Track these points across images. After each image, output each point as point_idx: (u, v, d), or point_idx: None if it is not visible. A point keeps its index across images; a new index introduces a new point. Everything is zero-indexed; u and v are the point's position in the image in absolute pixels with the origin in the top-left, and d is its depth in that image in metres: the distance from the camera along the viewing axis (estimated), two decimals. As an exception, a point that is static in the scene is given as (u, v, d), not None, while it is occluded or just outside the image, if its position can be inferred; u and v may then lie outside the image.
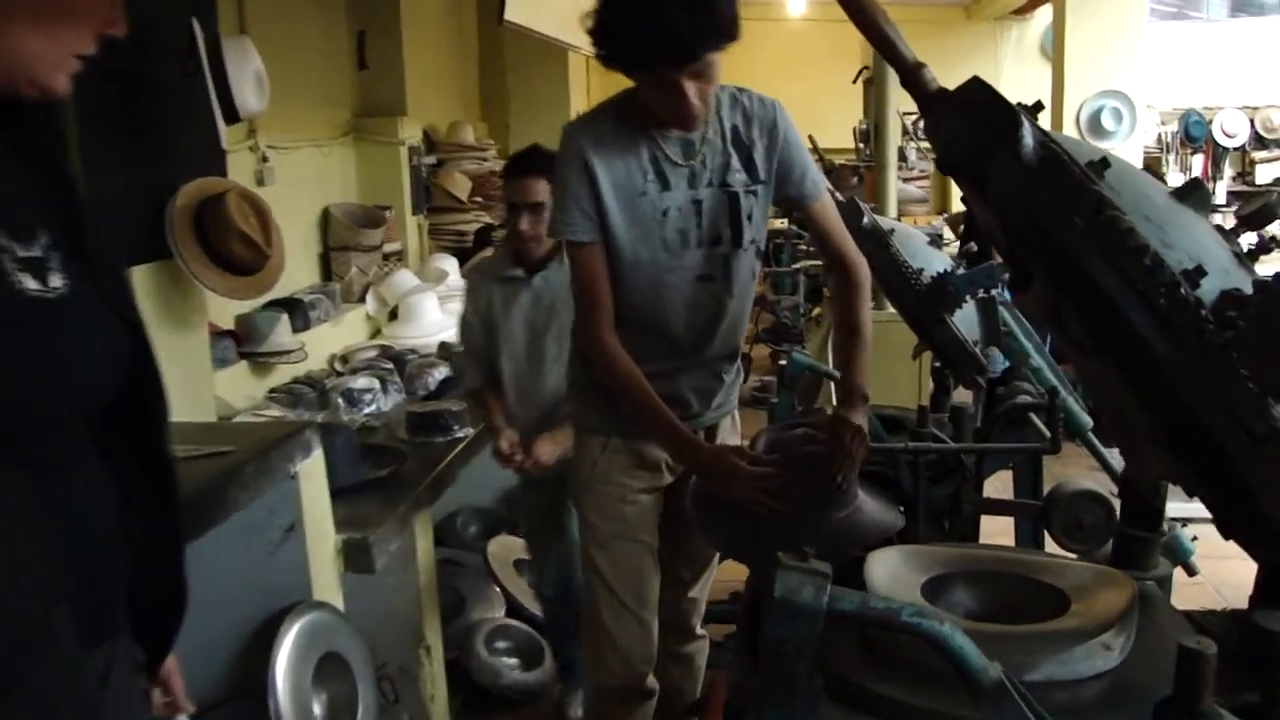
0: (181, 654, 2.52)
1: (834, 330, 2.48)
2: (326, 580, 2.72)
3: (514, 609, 4.03)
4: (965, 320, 3.40)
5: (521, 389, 3.40)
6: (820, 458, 2.08)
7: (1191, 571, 3.74)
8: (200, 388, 3.06)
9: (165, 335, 2.89)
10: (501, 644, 3.79)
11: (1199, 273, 1.14)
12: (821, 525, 2.01)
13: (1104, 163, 1.24)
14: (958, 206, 11.27)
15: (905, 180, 9.10)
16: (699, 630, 2.68)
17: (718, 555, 2.63)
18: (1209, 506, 1.44)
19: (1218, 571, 4.65)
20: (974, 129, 1.33)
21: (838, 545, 1.94)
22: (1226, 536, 1.46)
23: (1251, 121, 11.31)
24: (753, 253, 2.36)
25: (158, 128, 2.83)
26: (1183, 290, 1.12)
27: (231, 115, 2.99)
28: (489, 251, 6.15)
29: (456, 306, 5.25)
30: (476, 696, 3.61)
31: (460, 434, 3.57)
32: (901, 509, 3.49)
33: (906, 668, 1.45)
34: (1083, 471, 5.54)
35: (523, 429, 3.29)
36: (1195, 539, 4.02)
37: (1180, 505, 5.15)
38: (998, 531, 3.52)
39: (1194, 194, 1.34)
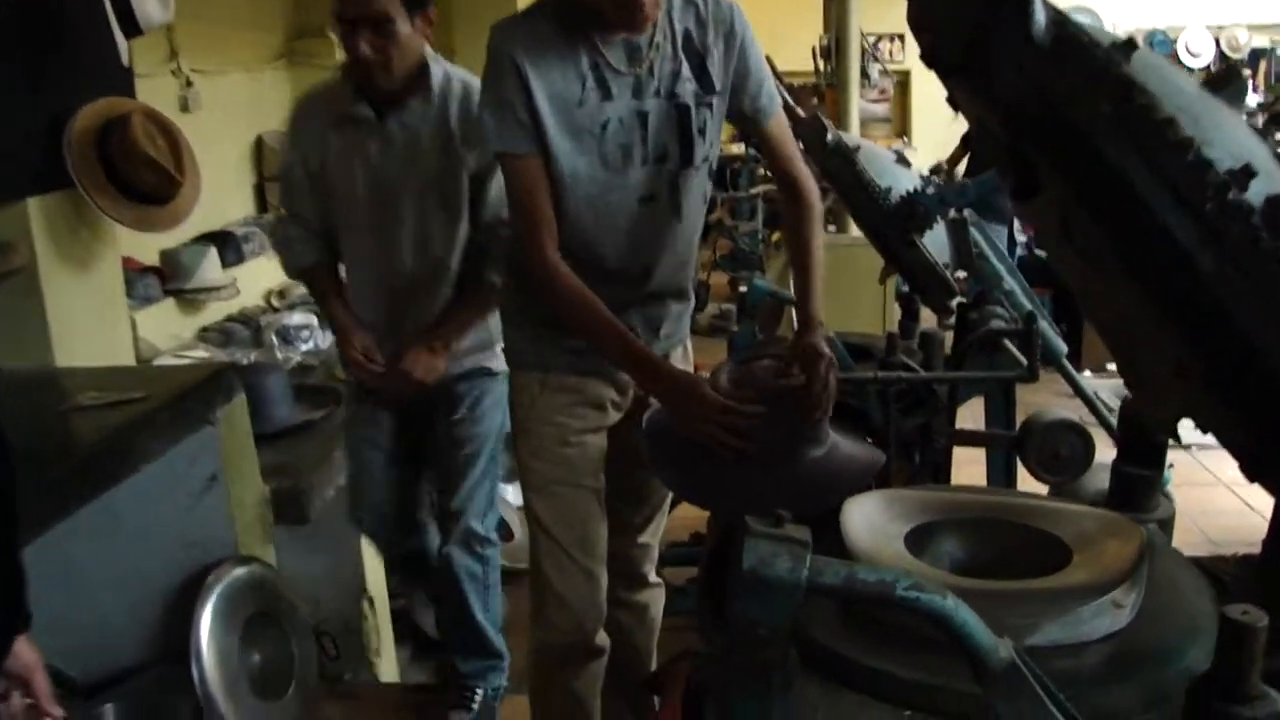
0: (96, 619, 2.35)
1: (790, 255, 2.27)
2: (254, 533, 2.52)
3: (466, 553, 3.84)
4: (934, 243, 3.22)
5: (368, 271, 2.72)
6: (794, 391, 1.87)
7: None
8: (115, 329, 2.82)
9: (70, 272, 2.65)
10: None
11: (1247, 174, 0.95)
12: (797, 467, 1.81)
13: (1130, 44, 1.04)
14: (918, 128, 11.07)
15: (866, 100, 8.87)
16: (652, 578, 2.49)
17: (670, 496, 2.43)
18: (1235, 444, 1.27)
19: (1191, 501, 4.56)
20: (971, 9, 1.12)
21: (816, 490, 1.75)
22: (1253, 478, 1.29)
23: (1217, 41, 11.16)
24: (705, 172, 2.14)
25: (44, 41, 2.54)
26: (1232, 194, 0.92)
27: (132, 27, 2.70)
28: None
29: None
30: (428, 647, 3.42)
31: (403, 370, 3.34)
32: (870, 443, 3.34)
33: (894, 634, 1.27)
34: (1053, 400, 5.42)
35: (379, 332, 2.70)
36: (1171, 466, 3.90)
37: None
38: (965, 462, 3.35)
39: (1229, 85, 1.14)
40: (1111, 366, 5.88)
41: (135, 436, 2.14)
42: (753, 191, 8.02)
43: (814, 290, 2.15)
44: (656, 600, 2.52)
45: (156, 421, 2.20)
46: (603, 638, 2.30)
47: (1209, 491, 4.78)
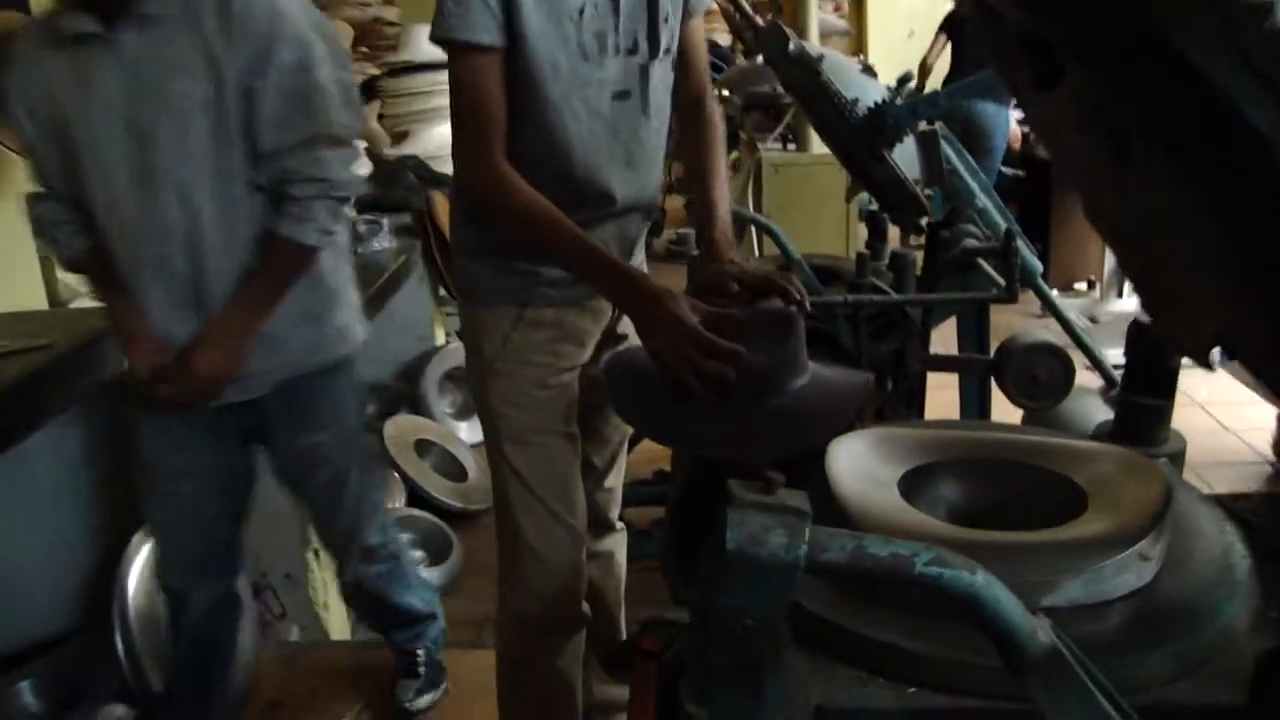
0: (8, 585, 2.16)
1: (701, 175, 2.06)
2: (182, 487, 2.32)
3: (416, 497, 3.66)
4: (903, 158, 3.04)
5: (129, 237, 2.04)
6: (771, 313, 1.67)
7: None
8: (20, 270, 2.58)
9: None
10: (402, 536, 3.41)
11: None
12: (777, 399, 1.62)
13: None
14: (874, 47, 10.83)
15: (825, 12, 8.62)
16: (617, 523, 2.32)
17: (630, 433, 2.25)
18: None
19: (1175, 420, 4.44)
20: None
21: (798, 424, 1.56)
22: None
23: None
24: (669, 63, 1.94)
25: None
26: (1322, 67, 0.74)
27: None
28: (375, 105, 5.67)
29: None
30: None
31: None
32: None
33: (893, 599, 1.11)
34: (1021, 321, 5.29)
35: (176, 325, 2.06)
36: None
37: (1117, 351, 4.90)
38: (934, 388, 3.20)
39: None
40: (1079, 286, 5.76)
41: (36, 389, 1.93)
42: (709, 111, 7.77)
43: (725, 212, 2.00)
44: (621, 545, 2.35)
45: (61, 370, 1.99)
46: (585, 608, 2.10)
47: (1181, 413, 4.68)
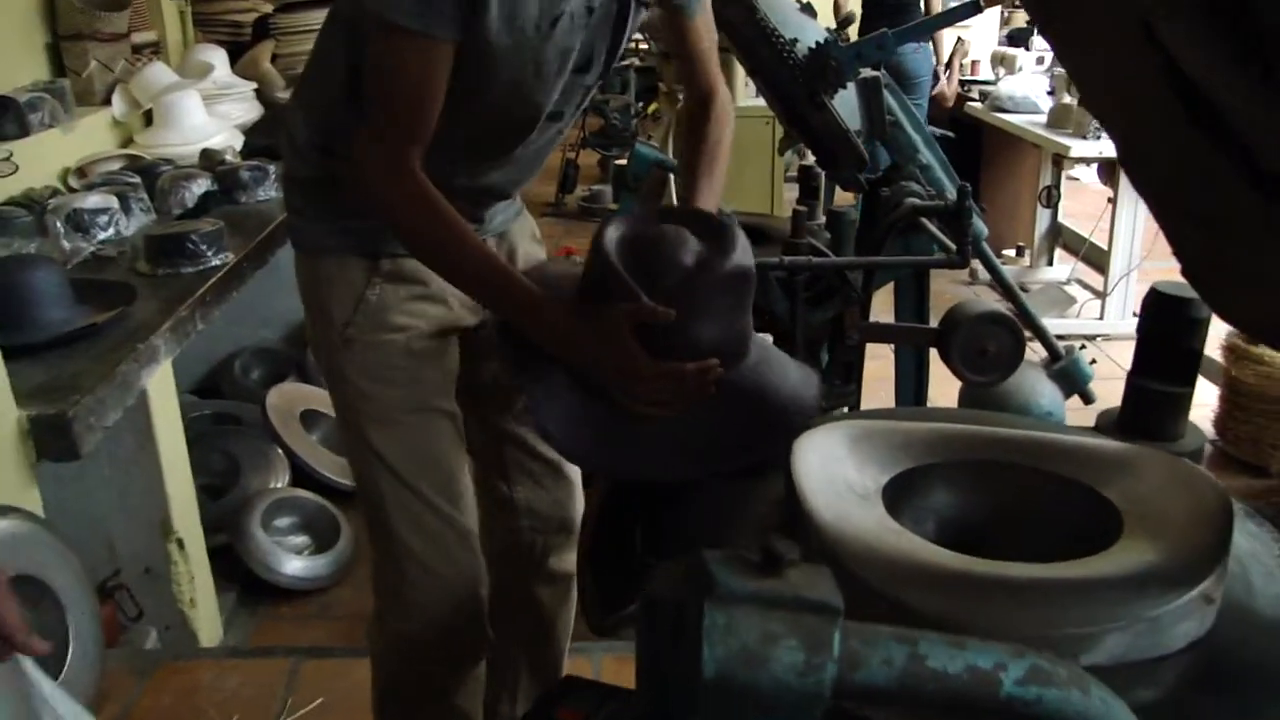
0: None
1: (697, 169, 1.65)
2: (9, 475, 1.96)
3: (302, 474, 3.31)
4: (843, 108, 2.76)
5: None
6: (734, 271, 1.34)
7: (1089, 399, 3.29)
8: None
9: None
10: (285, 520, 3.08)
11: None
12: (727, 393, 1.32)
13: None
14: None
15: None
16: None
17: None
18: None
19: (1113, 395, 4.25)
20: None
21: (756, 423, 1.27)
22: None
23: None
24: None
25: None
26: None
27: None
28: (269, 44, 5.25)
29: (226, 109, 4.44)
30: (256, 587, 2.91)
31: (216, 261, 2.76)
32: (772, 339, 2.90)
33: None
34: (953, 289, 5.08)
35: None
36: (1094, 362, 3.57)
37: (1061, 321, 4.71)
38: (866, 359, 2.94)
39: None
40: (1008, 253, 5.54)
41: None
42: (623, 63, 7.44)
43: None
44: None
45: None
46: (486, 628, 1.73)
47: (1111, 385, 4.51)
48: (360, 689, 1.90)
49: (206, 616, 2.59)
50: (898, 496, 1.08)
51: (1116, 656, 0.89)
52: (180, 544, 2.47)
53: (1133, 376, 1.38)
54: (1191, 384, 1.36)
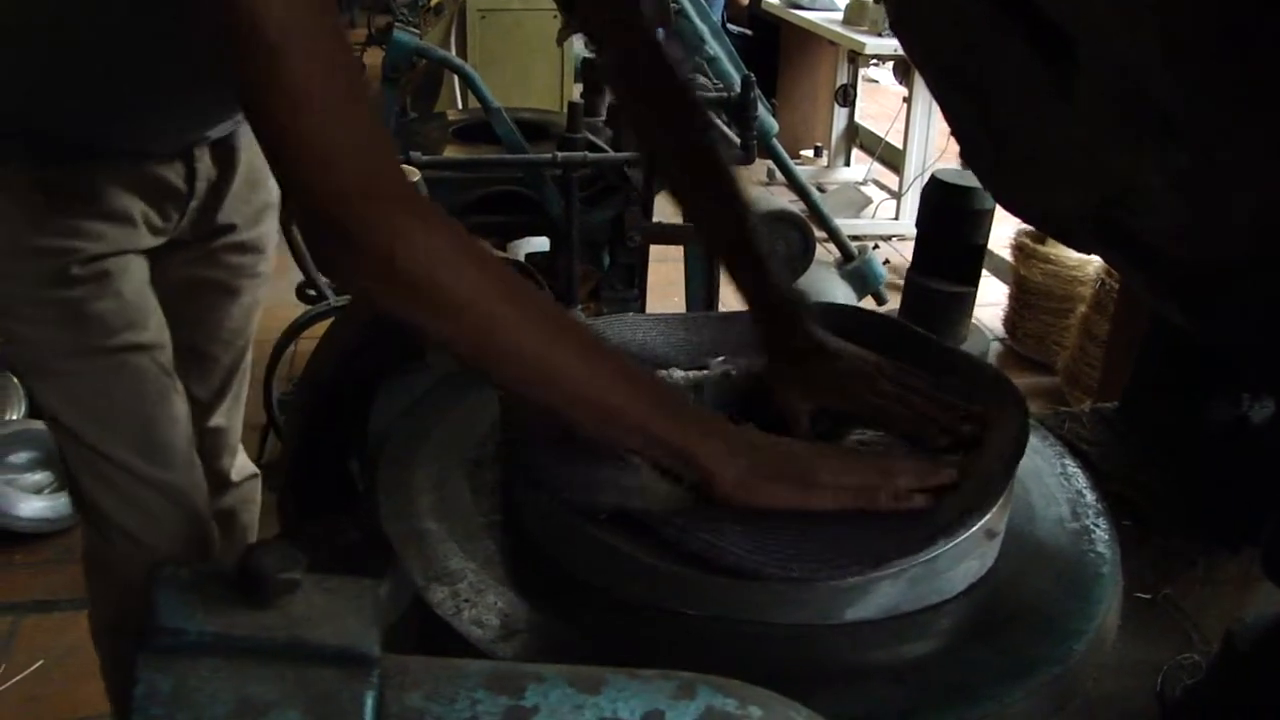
0: None
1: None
2: None
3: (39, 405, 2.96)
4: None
5: None
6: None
7: (881, 300, 3.22)
8: None
9: None
10: (21, 456, 2.73)
11: None
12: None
13: None
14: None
15: None
16: (236, 472, 1.64)
17: (247, 358, 1.62)
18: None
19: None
20: None
21: None
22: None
23: None
24: None
25: None
26: None
27: None
28: None
29: None
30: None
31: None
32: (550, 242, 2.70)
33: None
34: (751, 189, 4.95)
35: None
36: (887, 263, 3.50)
37: (856, 222, 4.61)
38: (654, 260, 2.78)
39: None
40: (805, 153, 5.45)
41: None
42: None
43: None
44: (249, 501, 1.69)
45: None
46: None
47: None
48: (85, 646, 1.65)
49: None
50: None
51: (886, 608, 0.75)
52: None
53: (912, 274, 1.24)
54: (974, 283, 1.22)
